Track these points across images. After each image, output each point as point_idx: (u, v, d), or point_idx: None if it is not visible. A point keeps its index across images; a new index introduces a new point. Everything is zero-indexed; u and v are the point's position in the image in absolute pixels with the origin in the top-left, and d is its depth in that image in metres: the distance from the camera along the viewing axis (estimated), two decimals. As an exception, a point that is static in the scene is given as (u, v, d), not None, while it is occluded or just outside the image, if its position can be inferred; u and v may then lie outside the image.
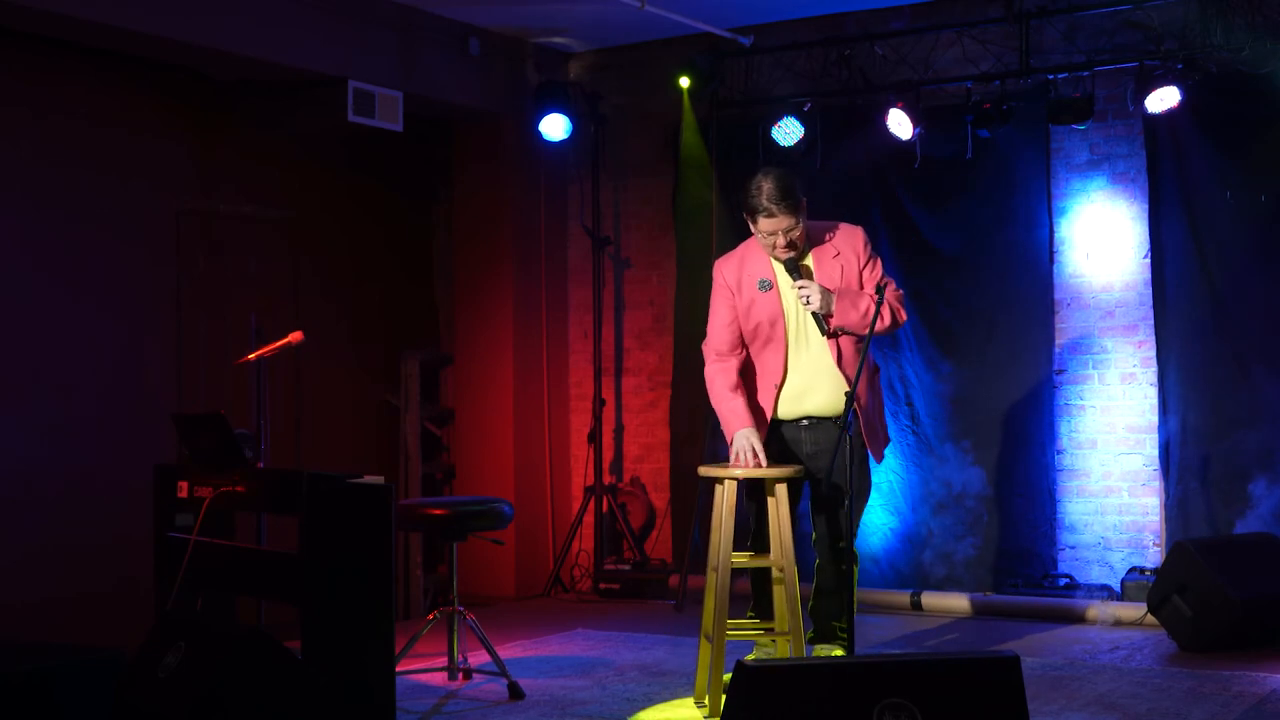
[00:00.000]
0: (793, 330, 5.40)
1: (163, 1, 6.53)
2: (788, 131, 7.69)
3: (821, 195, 6.92)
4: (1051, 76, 7.24)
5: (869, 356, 5.37)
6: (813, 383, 5.41)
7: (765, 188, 5.22)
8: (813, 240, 5.44)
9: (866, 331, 5.24)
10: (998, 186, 7.56)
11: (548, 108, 8.14)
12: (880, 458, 5.57)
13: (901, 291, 5.45)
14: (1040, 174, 7.52)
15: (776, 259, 5.36)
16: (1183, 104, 6.87)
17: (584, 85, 8.57)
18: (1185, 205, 7.13)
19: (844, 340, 5.36)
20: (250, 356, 5.75)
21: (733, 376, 5.42)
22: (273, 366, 5.93)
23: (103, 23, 6.32)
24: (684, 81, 7.93)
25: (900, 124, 7.33)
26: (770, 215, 5.23)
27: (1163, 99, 6.87)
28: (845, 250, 5.43)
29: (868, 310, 5.26)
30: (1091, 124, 7.31)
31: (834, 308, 5.27)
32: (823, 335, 5.31)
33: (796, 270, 5.32)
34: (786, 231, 5.26)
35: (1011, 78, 7.30)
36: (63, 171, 6.77)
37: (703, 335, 8.16)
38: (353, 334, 8.23)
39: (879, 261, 5.48)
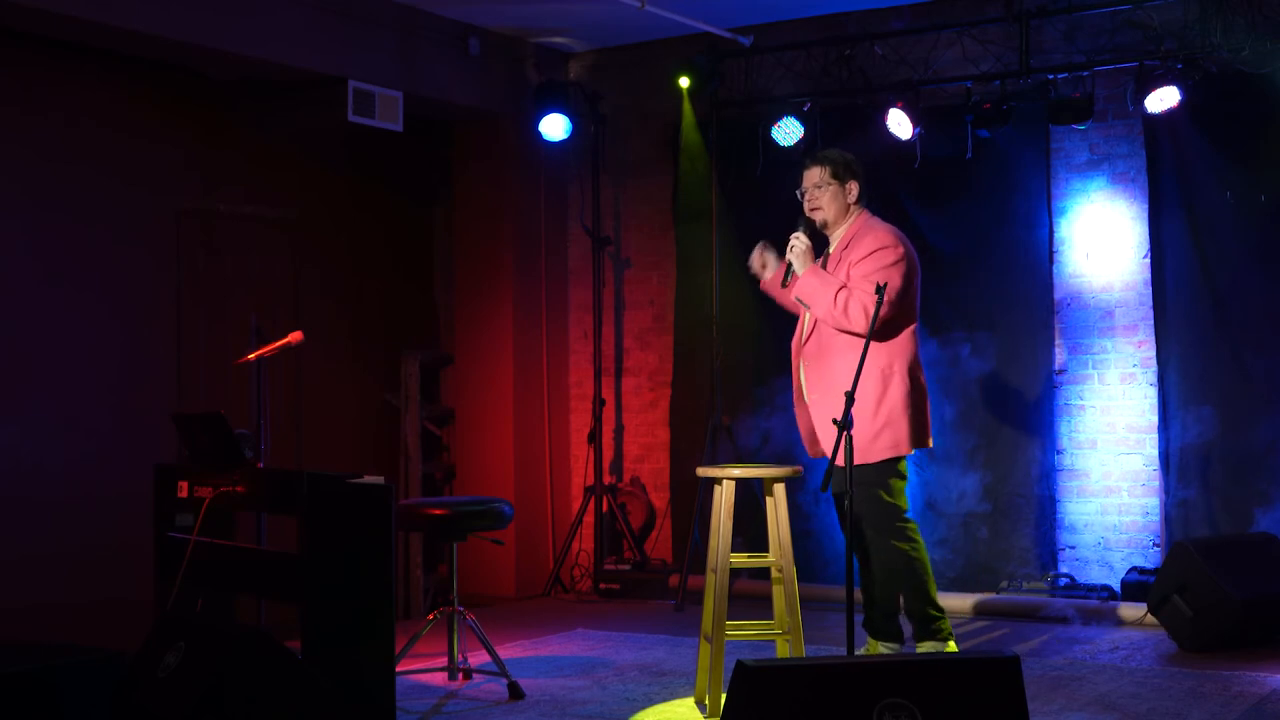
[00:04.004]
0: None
1: (163, 1, 6.53)
2: (788, 131, 7.69)
3: (821, 195, 6.93)
4: (1051, 76, 7.23)
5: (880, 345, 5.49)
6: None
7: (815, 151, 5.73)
8: (855, 232, 5.60)
9: (820, 311, 5.46)
10: (998, 186, 7.56)
11: (548, 108, 8.14)
12: (862, 456, 5.38)
13: (877, 303, 5.33)
14: (1040, 174, 7.52)
15: (807, 214, 5.63)
16: (1183, 104, 6.87)
17: (584, 85, 8.57)
18: (1185, 205, 7.14)
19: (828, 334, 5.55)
20: (250, 356, 5.75)
21: None
22: (273, 366, 5.93)
23: (103, 23, 6.33)
24: (684, 81, 7.92)
25: (900, 124, 7.33)
26: (805, 168, 5.67)
27: (1163, 99, 6.87)
28: (859, 246, 5.54)
29: (834, 295, 5.41)
30: (1091, 124, 7.31)
31: (805, 269, 5.51)
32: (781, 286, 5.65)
33: (806, 225, 5.59)
34: (813, 187, 5.62)
35: (1011, 78, 7.30)
36: (63, 171, 6.76)
37: (702, 335, 8.19)
38: (353, 334, 8.23)
39: (885, 270, 5.44)
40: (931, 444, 5.77)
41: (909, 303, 5.55)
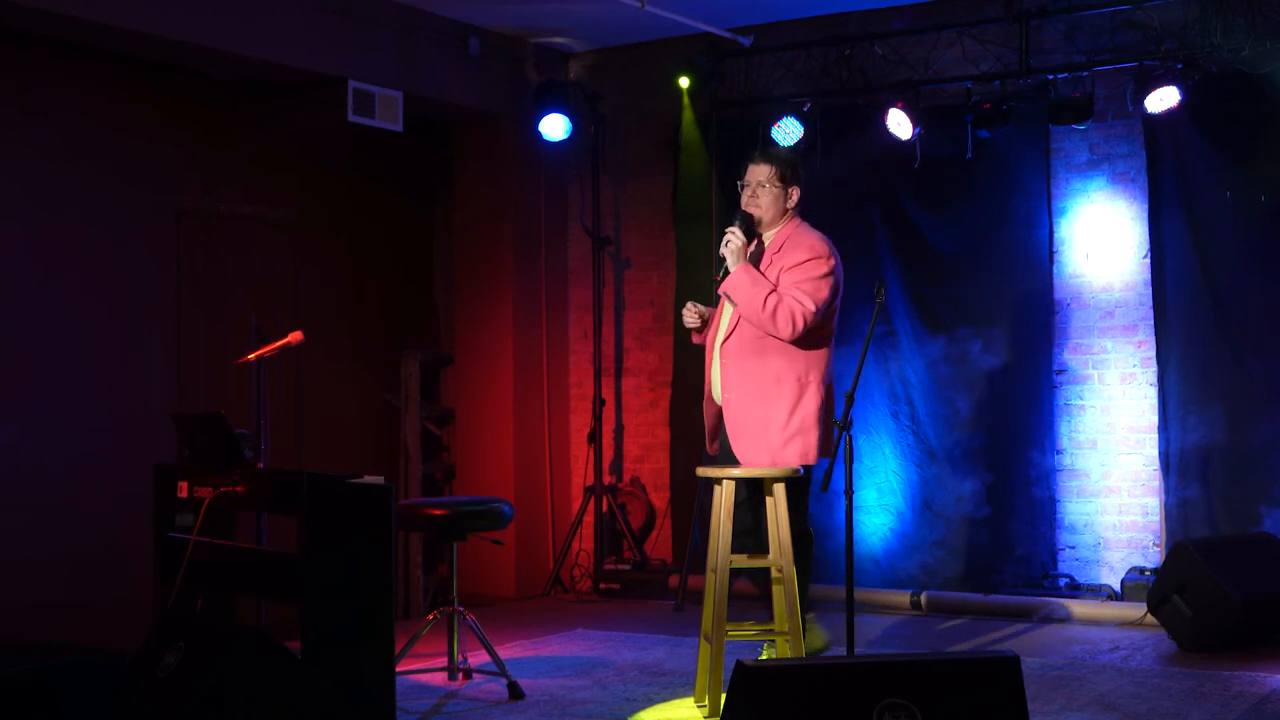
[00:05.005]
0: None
1: (163, 1, 6.53)
2: (788, 131, 7.68)
3: (821, 195, 6.93)
4: (1051, 76, 7.23)
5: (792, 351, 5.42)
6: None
7: (767, 146, 5.53)
8: (788, 236, 5.52)
9: (748, 312, 5.36)
10: (998, 186, 7.56)
11: (548, 108, 8.14)
12: (771, 463, 5.37)
13: (808, 312, 5.33)
14: (1040, 174, 7.52)
15: (744, 209, 5.56)
16: (1183, 104, 6.87)
17: (584, 85, 8.57)
18: (1185, 205, 7.13)
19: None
20: (250, 356, 5.75)
21: None
22: (273, 366, 5.92)
23: (103, 23, 6.33)
24: (684, 81, 7.93)
25: (900, 124, 7.33)
26: (754, 161, 5.59)
27: (1162, 99, 6.87)
28: (792, 252, 5.48)
29: (764, 298, 5.32)
30: (1091, 124, 7.31)
31: (738, 266, 5.41)
32: (715, 277, 5.56)
33: (743, 220, 5.50)
34: (757, 184, 5.53)
35: (1011, 78, 7.30)
36: (63, 171, 6.76)
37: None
38: (353, 334, 8.23)
39: (815, 280, 5.39)
40: None
41: (831, 314, 5.51)
